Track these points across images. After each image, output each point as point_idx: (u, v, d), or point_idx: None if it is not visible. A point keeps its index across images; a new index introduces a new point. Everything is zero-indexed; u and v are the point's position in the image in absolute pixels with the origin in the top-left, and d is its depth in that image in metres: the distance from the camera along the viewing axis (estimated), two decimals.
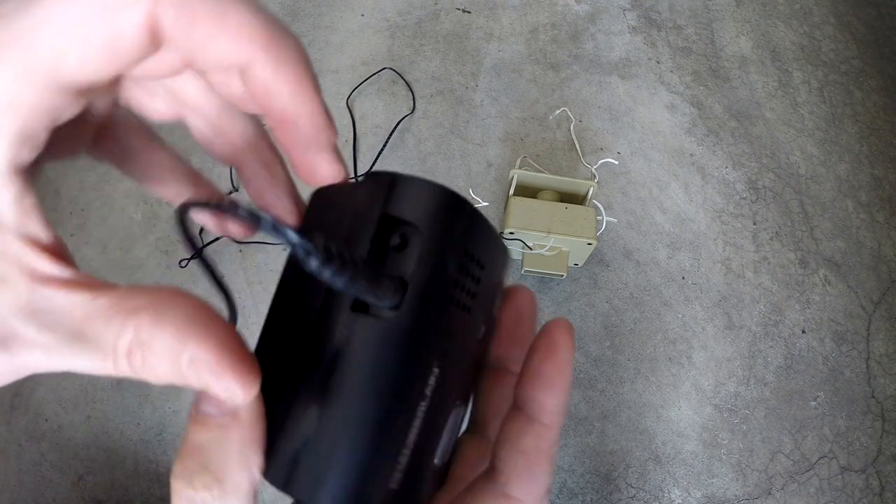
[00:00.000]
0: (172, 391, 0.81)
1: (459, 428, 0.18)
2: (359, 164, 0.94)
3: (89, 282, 0.12)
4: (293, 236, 0.12)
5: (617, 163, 0.93)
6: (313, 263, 0.12)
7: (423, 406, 0.14)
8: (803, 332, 0.81)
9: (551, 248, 0.76)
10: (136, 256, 0.90)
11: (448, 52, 1.05)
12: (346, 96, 1.01)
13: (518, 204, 0.76)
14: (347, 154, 0.95)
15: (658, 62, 1.03)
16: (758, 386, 0.78)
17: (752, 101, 0.99)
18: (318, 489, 0.14)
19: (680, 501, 0.72)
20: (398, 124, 0.96)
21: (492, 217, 0.89)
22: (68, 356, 0.12)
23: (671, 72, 1.02)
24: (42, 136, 0.12)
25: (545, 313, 0.82)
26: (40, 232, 0.12)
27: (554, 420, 0.16)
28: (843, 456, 0.73)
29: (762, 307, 0.82)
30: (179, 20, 0.12)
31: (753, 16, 1.09)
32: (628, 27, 1.08)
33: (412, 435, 0.14)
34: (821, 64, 1.03)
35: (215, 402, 0.14)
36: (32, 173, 0.12)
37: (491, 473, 0.16)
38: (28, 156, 0.12)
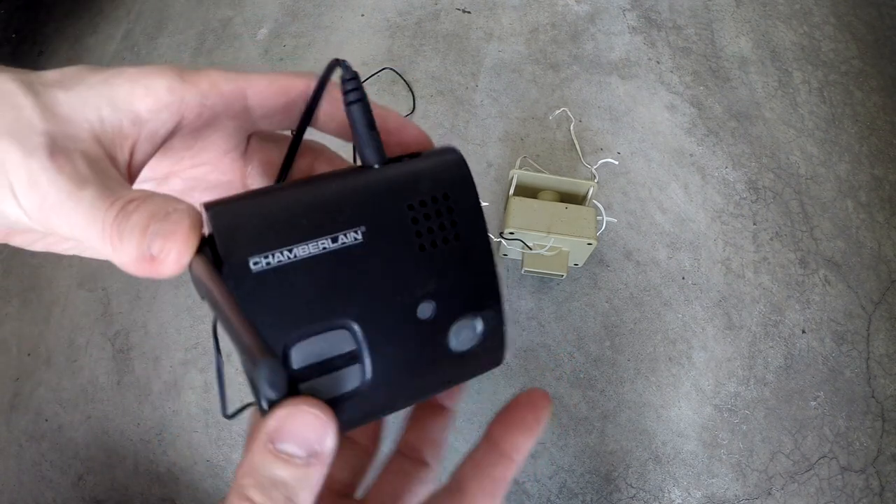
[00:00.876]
0: (173, 391, 0.81)
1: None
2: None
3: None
4: None
5: (617, 163, 0.93)
6: None
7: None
8: (803, 332, 0.81)
9: (551, 248, 0.76)
10: None
11: (448, 52, 1.05)
12: None
13: (518, 204, 0.76)
14: (347, 154, 0.95)
15: (658, 62, 1.03)
16: (758, 386, 0.78)
17: (752, 101, 0.99)
18: None
19: (680, 501, 0.72)
20: None
21: (492, 217, 0.89)
22: (84, 192, 0.15)
23: (671, 72, 1.02)
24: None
25: (545, 313, 0.82)
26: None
27: (522, 459, 0.19)
28: (843, 456, 0.73)
29: (762, 307, 0.82)
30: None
31: (753, 16, 1.09)
32: (628, 27, 1.08)
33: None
34: (821, 64, 1.03)
35: (301, 443, 0.16)
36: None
37: (455, 493, 0.19)
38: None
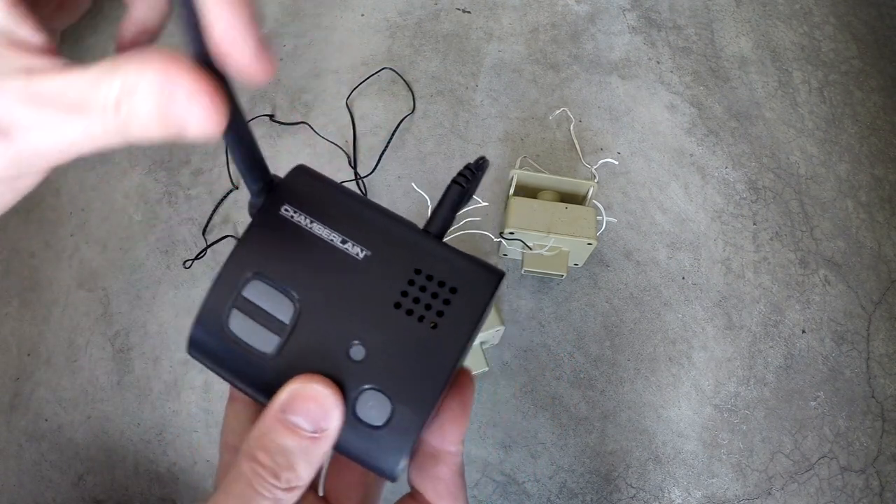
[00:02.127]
0: (173, 391, 0.81)
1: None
2: (359, 164, 0.94)
3: (81, 65, 0.14)
4: None
5: (617, 163, 0.93)
6: None
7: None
8: (803, 332, 0.81)
9: (551, 248, 0.76)
10: (135, 256, 0.90)
11: (448, 52, 1.05)
12: (346, 96, 1.01)
13: (518, 204, 0.76)
14: (347, 156, 0.95)
15: (658, 62, 1.03)
16: (758, 386, 0.78)
17: (752, 101, 0.99)
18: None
19: (680, 501, 0.72)
20: (399, 124, 0.97)
21: (492, 217, 0.89)
22: (65, 127, 0.13)
23: (671, 72, 1.02)
24: None
25: (545, 313, 0.82)
26: (31, 36, 0.14)
27: (460, 448, 0.20)
28: (843, 456, 0.73)
29: (762, 307, 0.82)
30: None
31: (753, 16, 1.09)
32: (628, 27, 1.08)
33: None
34: (821, 64, 1.03)
35: (310, 418, 0.17)
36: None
37: (418, 498, 0.20)
38: None
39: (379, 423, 0.17)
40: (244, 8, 0.13)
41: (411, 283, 0.19)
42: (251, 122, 0.99)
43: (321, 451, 0.17)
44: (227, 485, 0.16)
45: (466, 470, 0.74)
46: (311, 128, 0.97)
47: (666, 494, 0.72)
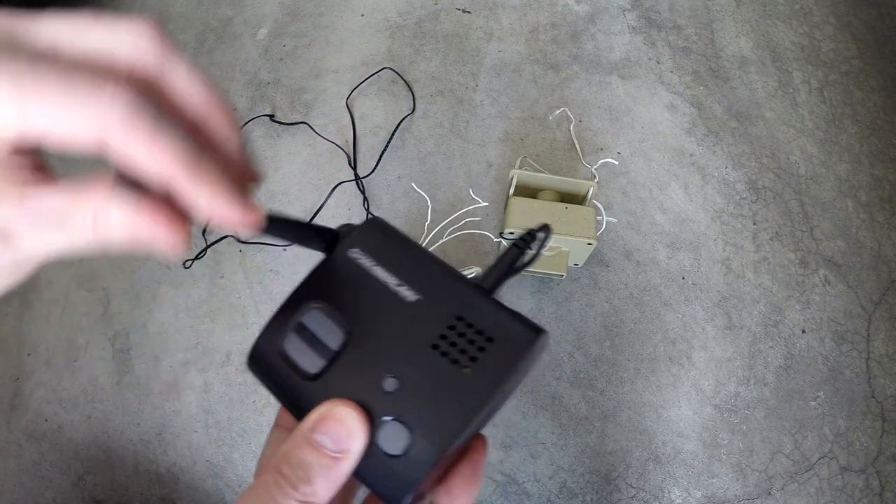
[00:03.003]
0: (173, 391, 0.81)
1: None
2: (359, 164, 0.94)
3: (67, 183, 0.16)
4: None
5: (617, 163, 0.93)
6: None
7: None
8: (803, 332, 0.81)
9: (551, 248, 0.76)
10: (135, 256, 0.90)
11: (448, 52, 1.05)
12: (346, 96, 1.01)
13: (518, 204, 0.76)
14: (347, 155, 0.95)
15: (658, 62, 1.03)
16: (758, 386, 0.78)
17: (752, 101, 0.99)
18: None
19: (680, 501, 0.72)
20: (399, 124, 0.97)
21: (492, 217, 0.89)
22: (53, 237, 0.15)
23: (671, 72, 1.02)
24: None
25: (545, 313, 0.82)
26: (27, 158, 0.16)
27: (475, 488, 0.21)
28: (843, 456, 0.73)
29: (762, 307, 0.82)
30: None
31: (753, 16, 1.09)
32: (628, 27, 1.08)
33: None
34: (821, 64, 1.03)
35: (335, 438, 0.18)
36: None
37: None
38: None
39: (396, 452, 0.18)
40: (222, 183, 0.16)
41: (452, 327, 0.20)
42: (252, 122, 0.99)
43: (342, 471, 0.18)
44: (250, 491, 0.17)
45: None
46: (311, 128, 0.97)
47: (666, 494, 0.72)
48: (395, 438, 0.18)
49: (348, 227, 0.23)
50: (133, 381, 0.82)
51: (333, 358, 0.20)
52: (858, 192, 0.90)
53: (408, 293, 0.20)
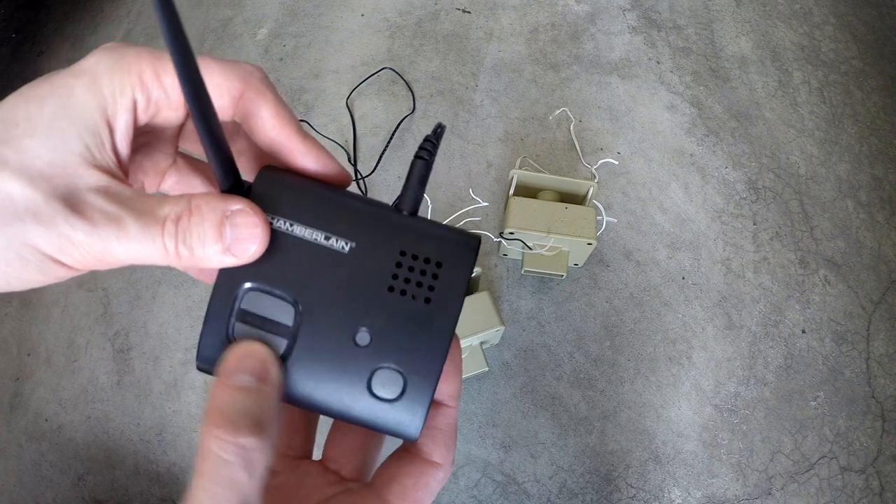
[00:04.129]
0: (173, 391, 0.81)
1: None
2: (359, 163, 0.94)
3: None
4: None
5: (617, 163, 0.93)
6: None
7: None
8: (803, 332, 0.81)
9: (551, 248, 0.76)
10: None
11: (448, 52, 1.05)
12: (346, 96, 1.01)
13: (518, 204, 0.76)
14: (347, 154, 0.95)
15: (658, 62, 1.03)
16: (758, 386, 0.78)
17: (752, 101, 0.99)
18: None
19: (680, 501, 0.72)
20: (399, 124, 0.97)
21: (492, 217, 0.89)
22: (128, 226, 0.16)
23: (671, 72, 1.02)
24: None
25: (545, 313, 0.82)
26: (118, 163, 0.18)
27: (456, 402, 0.22)
28: (843, 456, 0.73)
29: (762, 307, 0.82)
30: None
31: (753, 16, 1.09)
32: (628, 27, 1.08)
33: None
34: (821, 64, 1.03)
35: (251, 371, 0.18)
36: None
37: (412, 450, 0.21)
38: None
39: (394, 396, 0.19)
40: (321, 150, 0.20)
41: (399, 265, 0.20)
42: None
43: (274, 399, 0.18)
44: (198, 466, 0.16)
45: (466, 470, 0.74)
46: (312, 127, 0.97)
47: (666, 494, 0.72)
48: (388, 384, 0.19)
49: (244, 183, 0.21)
50: (133, 381, 0.82)
51: (294, 333, 0.19)
52: (858, 192, 0.90)
53: (340, 244, 0.20)
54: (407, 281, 0.20)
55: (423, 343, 0.19)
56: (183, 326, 0.84)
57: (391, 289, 0.19)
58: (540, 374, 0.79)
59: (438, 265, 0.20)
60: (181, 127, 0.21)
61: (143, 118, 0.18)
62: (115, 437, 0.80)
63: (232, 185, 0.19)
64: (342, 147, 0.95)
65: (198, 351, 0.20)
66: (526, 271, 0.77)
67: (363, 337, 0.19)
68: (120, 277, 0.89)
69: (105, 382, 0.83)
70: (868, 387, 0.77)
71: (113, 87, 0.17)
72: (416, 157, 0.21)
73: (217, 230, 0.17)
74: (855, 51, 1.04)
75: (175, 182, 0.22)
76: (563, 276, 0.77)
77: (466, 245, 0.20)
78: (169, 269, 0.89)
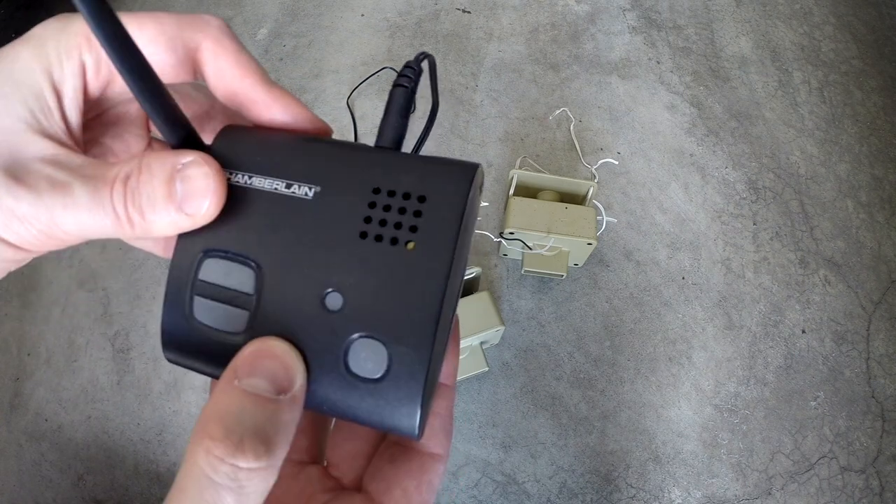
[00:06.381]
0: (172, 391, 0.81)
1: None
2: None
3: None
4: None
5: (617, 163, 0.93)
6: None
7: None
8: (803, 332, 0.81)
9: (551, 248, 0.76)
10: (135, 256, 0.90)
11: (448, 52, 1.05)
12: (346, 96, 1.01)
13: (518, 204, 0.76)
14: None
15: (658, 62, 1.03)
16: (758, 386, 0.78)
17: (752, 101, 0.99)
18: None
19: (680, 501, 0.72)
20: None
21: (492, 217, 0.89)
22: (75, 191, 0.14)
23: (671, 72, 1.02)
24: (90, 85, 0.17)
25: (545, 313, 0.82)
26: (67, 130, 0.16)
27: (453, 381, 0.19)
28: (843, 456, 0.73)
29: (762, 307, 0.82)
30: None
31: (753, 16, 1.09)
32: (628, 27, 1.08)
33: None
34: (821, 64, 1.03)
35: (272, 377, 0.14)
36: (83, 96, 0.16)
37: (405, 443, 0.19)
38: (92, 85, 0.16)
39: (378, 374, 0.15)
40: (295, 102, 0.18)
41: (372, 205, 0.16)
42: None
43: (289, 419, 0.14)
44: (180, 479, 0.13)
45: (466, 470, 0.74)
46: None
47: (666, 494, 0.72)
48: (370, 358, 0.15)
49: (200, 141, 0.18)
50: (133, 381, 0.82)
51: (256, 302, 0.16)
52: (858, 192, 0.90)
53: (303, 190, 0.16)
54: (383, 223, 0.16)
55: (410, 301, 0.15)
56: None
57: (364, 234, 0.16)
58: (540, 374, 0.79)
59: (421, 199, 0.16)
60: None
61: (94, 84, 0.16)
62: (115, 437, 0.80)
63: (183, 139, 0.16)
64: None
65: (161, 340, 0.17)
66: (526, 271, 0.76)
67: (334, 299, 0.15)
68: (120, 277, 0.89)
69: (105, 382, 0.83)
70: (868, 387, 0.77)
71: (59, 49, 0.15)
72: (395, 84, 0.18)
73: (167, 186, 0.15)
74: (855, 51, 1.04)
75: None
76: (563, 276, 0.77)
77: (458, 171, 0.16)
78: (167, 268, 0.89)
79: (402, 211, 0.16)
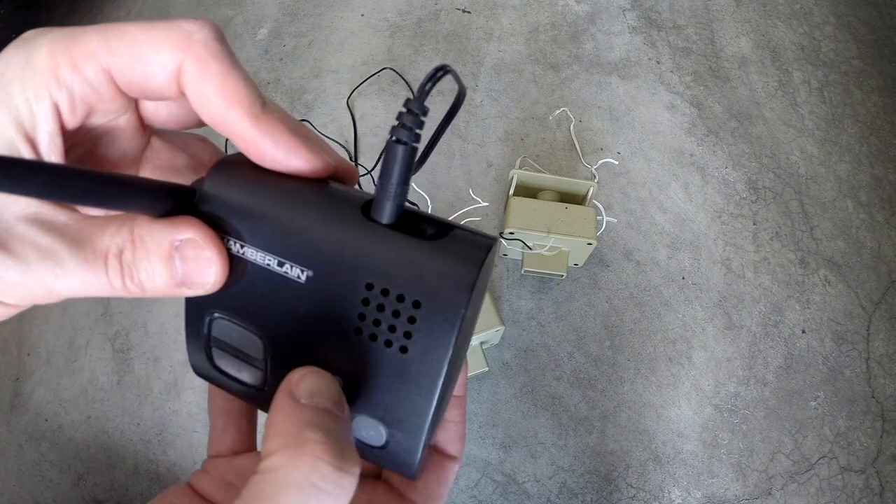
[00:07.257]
0: (173, 391, 0.81)
1: None
2: (359, 164, 0.94)
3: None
4: None
5: (617, 163, 0.93)
6: None
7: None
8: (803, 332, 0.81)
9: (551, 248, 0.76)
10: None
11: (448, 52, 1.05)
12: (346, 96, 1.01)
13: (518, 204, 0.76)
14: (349, 154, 0.95)
15: (658, 62, 1.03)
16: (758, 386, 0.78)
17: (752, 101, 0.99)
18: None
19: (680, 501, 0.72)
20: None
21: (492, 217, 0.89)
22: (65, 261, 0.14)
23: (671, 72, 1.02)
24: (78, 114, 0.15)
25: (545, 313, 0.82)
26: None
27: (463, 391, 0.21)
28: (843, 456, 0.73)
29: (762, 307, 0.82)
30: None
31: (753, 16, 1.09)
32: (628, 27, 1.08)
33: None
34: (821, 64, 1.03)
35: (329, 398, 0.15)
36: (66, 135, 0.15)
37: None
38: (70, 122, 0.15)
39: (380, 444, 0.17)
40: (285, 128, 0.15)
41: (366, 302, 0.15)
42: None
43: (349, 431, 0.15)
44: (263, 493, 0.13)
45: (466, 470, 0.74)
46: (313, 126, 0.97)
47: (666, 494, 0.72)
48: (372, 433, 0.16)
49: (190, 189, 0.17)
50: (133, 381, 0.82)
51: (266, 368, 0.17)
52: (858, 192, 0.90)
53: (295, 272, 0.16)
54: (377, 323, 0.15)
55: (406, 397, 0.16)
56: (183, 326, 0.84)
57: (359, 331, 0.16)
58: (540, 374, 0.79)
59: (416, 305, 0.15)
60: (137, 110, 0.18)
61: (71, 120, 0.15)
62: (115, 437, 0.80)
63: (170, 208, 0.15)
64: (343, 147, 0.95)
65: (190, 362, 0.19)
66: (526, 271, 0.77)
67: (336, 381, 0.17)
68: None
69: (105, 382, 0.83)
70: (868, 387, 0.77)
71: (25, 93, 0.14)
72: (395, 140, 0.16)
73: (165, 266, 0.15)
74: (855, 51, 1.04)
75: (156, 167, 0.19)
76: (563, 276, 0.77)
77: (456, 277, 0.15)
78: None
79: (395, 314, 0.15)
